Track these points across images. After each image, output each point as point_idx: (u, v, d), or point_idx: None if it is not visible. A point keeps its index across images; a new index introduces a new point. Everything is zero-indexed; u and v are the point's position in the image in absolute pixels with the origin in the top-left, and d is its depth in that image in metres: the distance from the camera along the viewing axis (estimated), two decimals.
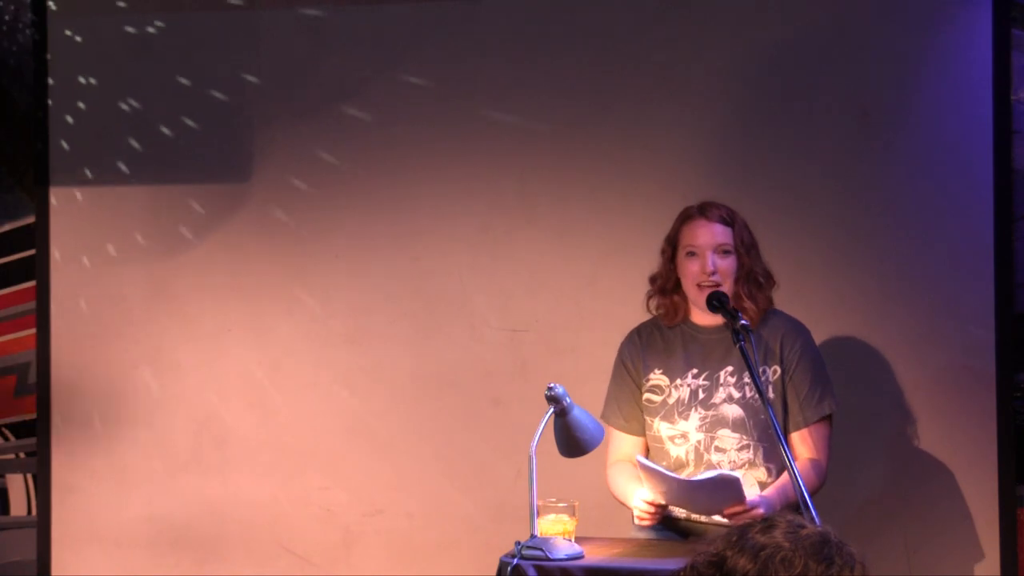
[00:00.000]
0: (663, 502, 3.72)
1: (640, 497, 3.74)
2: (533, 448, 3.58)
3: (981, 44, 4.35)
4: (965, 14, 4.36)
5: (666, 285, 3.89)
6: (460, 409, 4.72)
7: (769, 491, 3.72)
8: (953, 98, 4.38)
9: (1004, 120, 4.35)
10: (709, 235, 3.81)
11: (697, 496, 3.64)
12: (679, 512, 3.82)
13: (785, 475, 3.74)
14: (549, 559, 3.51)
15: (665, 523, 3.83)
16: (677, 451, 3.87)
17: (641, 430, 3.92)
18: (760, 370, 3.81)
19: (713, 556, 2.12)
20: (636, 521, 3.79)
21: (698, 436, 3.85)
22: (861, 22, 4.45)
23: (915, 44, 4.41)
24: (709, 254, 3.81)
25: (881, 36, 4.43)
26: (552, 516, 3.67)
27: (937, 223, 4.41)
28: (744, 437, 3.83)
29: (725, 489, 3.58)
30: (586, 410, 3.73)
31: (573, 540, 3.64)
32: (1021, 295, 4.39)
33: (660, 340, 3.93)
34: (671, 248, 3.89)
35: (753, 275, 3.83)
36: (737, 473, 3.65)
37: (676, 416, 3.86)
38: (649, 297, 3.94)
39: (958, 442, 4.42)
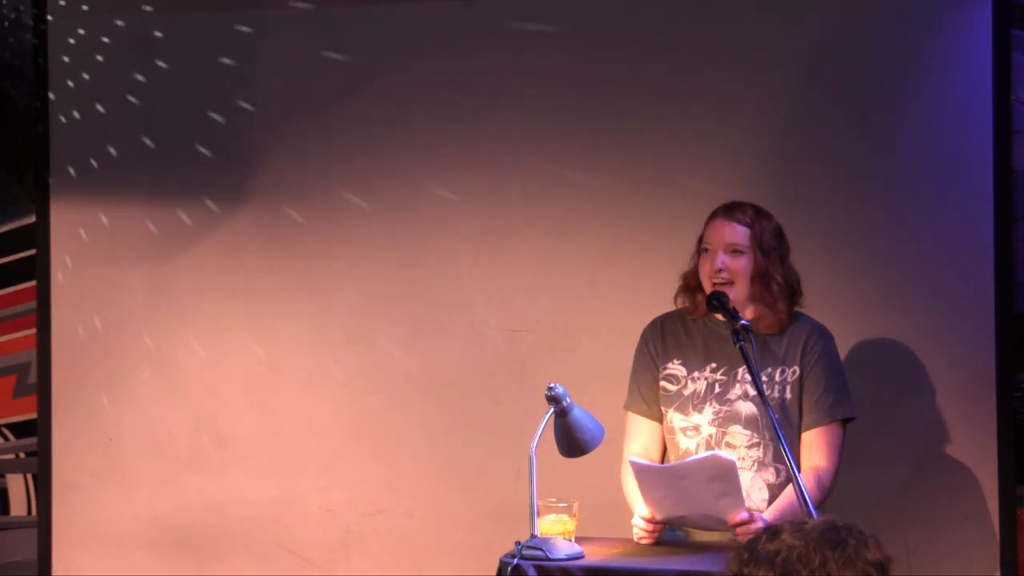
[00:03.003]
0: (660, 517, 3.71)
1: (639, 514, 3.74)
2: (533, 448, 3.59)
3: (981, 44, 4.35)
4: (965, 14, 4.37)
5: (691, 282, 3.92)
6: (460, 409, 4.72)
7: (770, 514, 3.71)
8: (953, 98, 4.38)
9: (1004, 120, 4.35)
10: (722, 234, 3.84)
11: (694, 494, 3.62)
12: (679, 533, 3.82)
13: (784, 497, 3.76)
14: (549, 559, 3.51)
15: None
16: (688, 443, 3.88)
17: (661, 416, 3.93)
18: (779, 369, 3.85)
19: None
20: (635, 539, 3.78)
21: (710, 430, 3.86)
22: (861, 22, 4.44)
23: (915, 44, 4.41)
24: (719, 252, 3.83)
25: (881, 36, 4.43)
26: (552, 516, 3.67)
27: (937, 223, 4.41)
28: (755, 435, 3.84)
29: (721, 480, 3.56)
30: (586, 410, 3.73)
31: (573, 540, 3.64)
32: (1021, 295, 4.40)
33: (682, 331, 3.94)
34: (699, 245, 3.92)
35: (768, 278, 3.84)
36: (732, 457, 3.64)
37: (690, 408, 3.88)
38: (676, 295, 3.96)
39: (958, 442, 4.42)
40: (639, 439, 3.94)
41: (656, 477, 3.67)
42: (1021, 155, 4.37)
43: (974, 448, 4.40)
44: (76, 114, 4.96)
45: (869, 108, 4.44)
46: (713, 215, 3.90)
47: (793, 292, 3.90)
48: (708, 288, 3.85)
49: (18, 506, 5.09)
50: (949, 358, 4.41)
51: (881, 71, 4.42)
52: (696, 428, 3.88)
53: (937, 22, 4.39)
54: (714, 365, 3.89)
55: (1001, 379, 4.37)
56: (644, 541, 3.74)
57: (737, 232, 3.83)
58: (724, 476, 3.57)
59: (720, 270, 3.82)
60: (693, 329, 3.94)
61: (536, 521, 3.61)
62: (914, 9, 4.41)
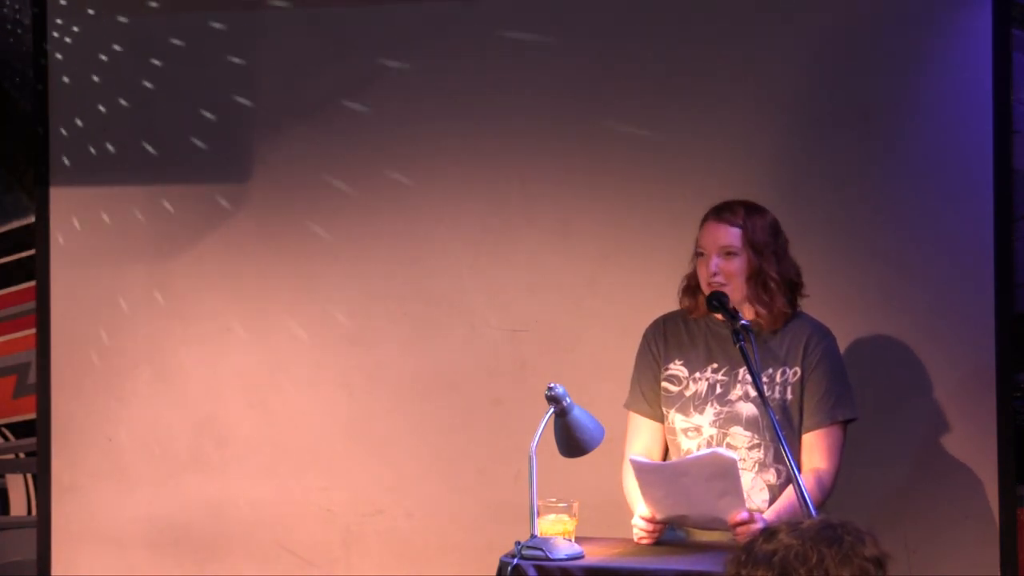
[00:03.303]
0: (660, 517, 3.71)
1: (639, 514, 3.74)
2: (533, 448, 3.59)
3: (981, 44, 4.35)
4: (965, 14, 4.37)
5: (691, 283, 3.93)
6: (460, 409, 4.72)
7: (770, 515, 3.72)
8: (953, 98, 4.38)
9: (1004, 120, 4.35)
10: (714, 237, 3.85)
11: (694, 493, 3.62)
12: (680, 533, 3.82)
13: (785, 498, 3.76)
14: (549, 559, 3.51)
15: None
16: (689, 444, 3.88)
17: (663, 416, 3.93)
18: (780, 370, 3.85)
19: None
20: (635, 539, 3.78)
21: (711, 431, 3.86)
22: (861, 22, 4.44)
23: (915, 44, 4.41)
24: (713, 256, 3.83)
25: (881, 36, 4.43)
26: (552, 516, 3.67)
27: (937, 223, 4.41)
28: (756, 436, 3.84)
29: (722, 479, 3.56)
30: (586, 410, 3.73)
31: (573, 540, 3.64)
32: (1021, 295, 4.40)
33: (684, 332, 3.95)
34: (696, 248, 3.92)
35: (763, 277, 3.84)
36: (734, 455, 3.64)
37: (692, 409, 3.88)
38: (680, 297, 3.96)
39: (958, 442, 4.42)
40: (640, 439, 3.95)
41: (656, 475, 3.67)
42: (1021, 155, 4.37)
43: (974, 448, 4.40)
44: (76, 114, 4.95)
45: (869, 108, 4.44)
46: (705, 218, 3.90)
47: (793, 285, 3.90)
48: (707, 291, 3.86)
49: (18, 506, 5.09)
50: (949, 358, 4.41)
51: (881, 71, 4.42)
52: (697, 429, 3.88)
53: (937, 22, 4.39)
54: (715, 365, 3.89)
55: (1001, 379, 4.38)
56: (644, 541, 3.74)
57: (729, 234, 3.83)
58: (725, 475, 3.57)
59: (715, 274, 3.82)
60: (695, 329, 3.94)
61: (536, 521, 3.61)
62: (914, 9, 4.42)
